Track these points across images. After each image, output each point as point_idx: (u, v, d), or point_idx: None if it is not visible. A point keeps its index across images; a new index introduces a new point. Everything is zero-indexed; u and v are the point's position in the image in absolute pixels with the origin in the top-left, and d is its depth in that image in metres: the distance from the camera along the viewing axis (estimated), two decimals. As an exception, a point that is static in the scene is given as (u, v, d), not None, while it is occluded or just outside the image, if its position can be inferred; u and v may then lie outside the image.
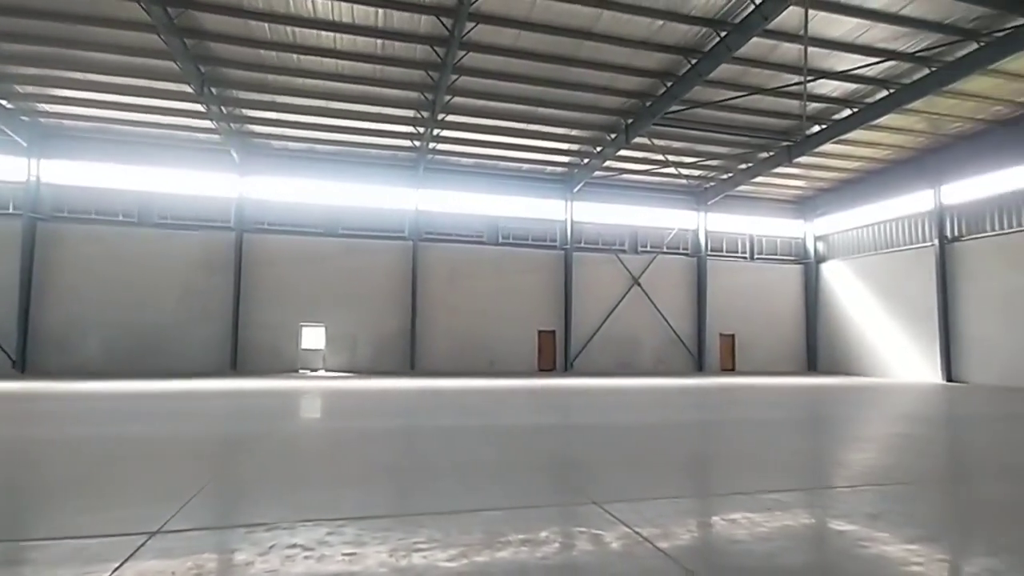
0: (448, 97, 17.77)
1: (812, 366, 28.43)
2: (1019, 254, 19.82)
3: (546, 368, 25.13)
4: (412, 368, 23.50)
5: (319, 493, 5.25)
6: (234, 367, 21.86)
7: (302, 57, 16.13)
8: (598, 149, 22.10)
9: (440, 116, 19.18)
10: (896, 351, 24.20)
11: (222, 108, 18.85)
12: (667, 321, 26.62)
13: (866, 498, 5.40)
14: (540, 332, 25.21)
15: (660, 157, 22.55)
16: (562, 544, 4.02)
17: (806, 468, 6.96)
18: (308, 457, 7.04)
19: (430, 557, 3.71)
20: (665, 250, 27.21)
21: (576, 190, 25.34)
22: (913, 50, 15.27)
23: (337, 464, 6.57)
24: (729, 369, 27.45)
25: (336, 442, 8.01)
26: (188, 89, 17.09)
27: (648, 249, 27.03)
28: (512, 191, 25.46)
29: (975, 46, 14.69)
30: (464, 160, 23.76)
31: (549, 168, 24.57)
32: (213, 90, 17.58)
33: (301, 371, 22.48)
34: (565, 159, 23.57)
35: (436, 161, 23.81)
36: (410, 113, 19.16)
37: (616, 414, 11.46)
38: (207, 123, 19.81)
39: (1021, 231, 19.81)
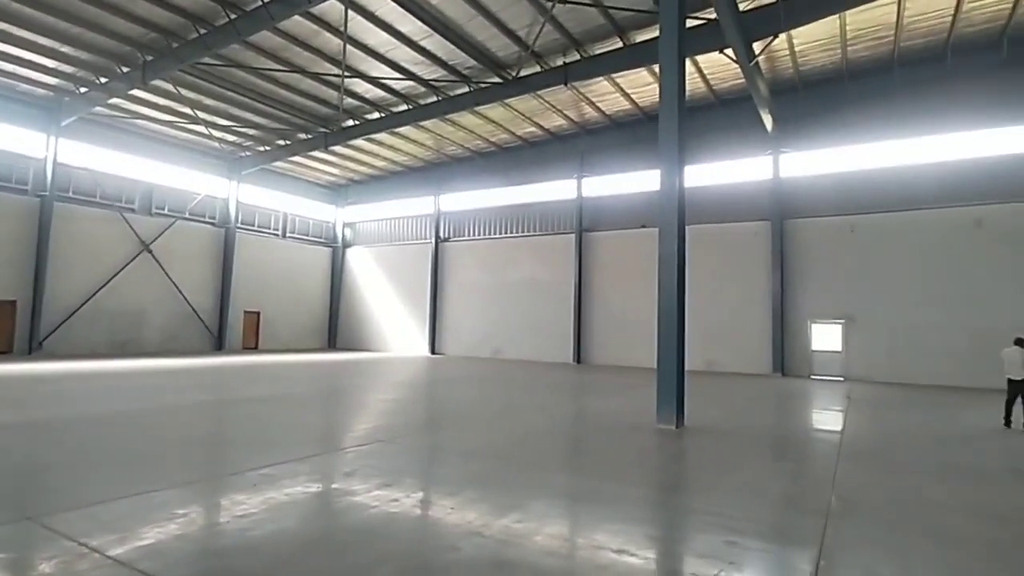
0: None
1: (333, 343, 30.53)
2: (481, 256, 26.28)
3: (-2, 351, 18.69)
4: None
5: None
6: None
7: None
8: (103, 80, 17.75)
9: None
10: (401, 329, 28.46)
11: None
12: (183, 295, 23.75)
13: (347, 459, 5.96)
14: (-9, 303, 18.52)
15: (188, 111, 19.87)
16: (-60, 593, 2.86)
17: (303, 439, 7.23)
18: None
19: None
20: (188, 216, 24.19)
21: (66, 124, 19.69)
22: (427, 77, 18.13)
23: None
24: (252, 347, 26.64)
25: None
26: None
27: (166, 212, 23.47)
28: (-48, 102, 17.78)
29: (467, 89, 18.61)
30: None
31: (23, 85, 18.28)
32: None
33: None
34: (51, 80, 17.97)
35: None
36: None
37: (97, 403, 9.38)
38: None
39: (483, 239, 26.32)
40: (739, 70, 15.30)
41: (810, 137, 18.74)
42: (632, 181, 22.26)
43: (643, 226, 21.20)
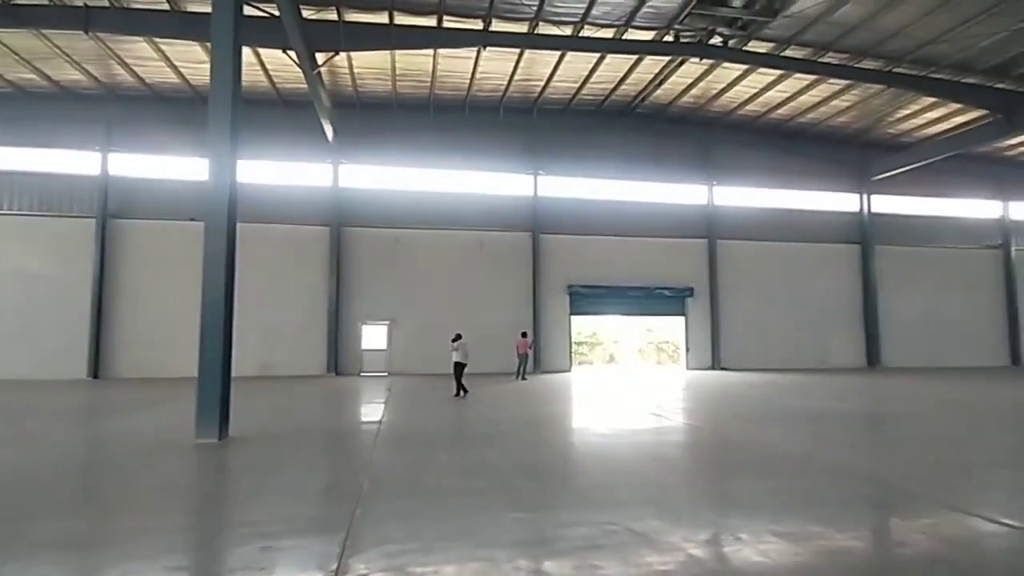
0: None
1: None
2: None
3: None
4: None
5: None
6: None
7: None
8: None
9: None
10: None
11: None
12: None
13: None
14: None
15: None
16: None
17: None
18: None
19: None
20: None
21: None
22: None
23: None
24: None
25: None
26: None
27: None
28: None
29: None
30: None
31: None
32: None
33: None
34: None
35: None
36: None
37: None
38: None
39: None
40: (303, 75, 15.44)
41: (366, 152, 20.53)
42: (181, 167, 19.61)
43: (192, 219, 18.87)
